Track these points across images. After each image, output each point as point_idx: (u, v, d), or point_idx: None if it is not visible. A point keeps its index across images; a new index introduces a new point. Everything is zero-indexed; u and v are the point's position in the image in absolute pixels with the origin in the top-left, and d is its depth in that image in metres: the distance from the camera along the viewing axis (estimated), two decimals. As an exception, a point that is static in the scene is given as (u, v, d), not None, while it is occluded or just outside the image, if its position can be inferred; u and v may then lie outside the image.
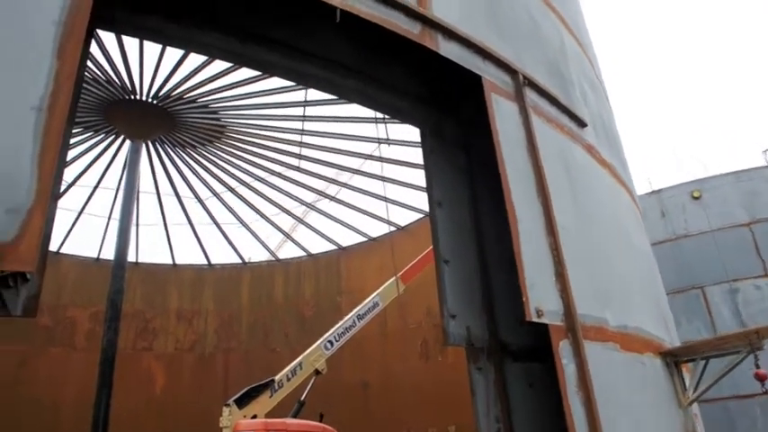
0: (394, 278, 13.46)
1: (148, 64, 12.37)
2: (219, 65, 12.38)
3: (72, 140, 14.82)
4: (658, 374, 4.42)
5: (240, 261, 20.52)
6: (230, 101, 13.71)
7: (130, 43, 11.75)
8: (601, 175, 4.86)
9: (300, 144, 15.34)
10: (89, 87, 12.96)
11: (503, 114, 3.74)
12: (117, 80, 12.84)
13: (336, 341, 12.20)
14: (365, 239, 19.26)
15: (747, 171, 15.71)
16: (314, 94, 13.32)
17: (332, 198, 18.50)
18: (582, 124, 4.79)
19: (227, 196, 18.16)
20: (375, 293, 13.24)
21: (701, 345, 4.67)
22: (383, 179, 15.75)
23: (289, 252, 21.43)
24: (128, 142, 15.00)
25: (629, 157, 6.73)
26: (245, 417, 10.19)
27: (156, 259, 20.02)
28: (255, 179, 17.22)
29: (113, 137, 15.19)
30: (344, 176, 17.72)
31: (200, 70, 12.50)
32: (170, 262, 19.99)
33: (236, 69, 12.50)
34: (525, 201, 3.54)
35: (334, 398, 14.99)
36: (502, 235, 4.14)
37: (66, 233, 18.12)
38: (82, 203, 17.61)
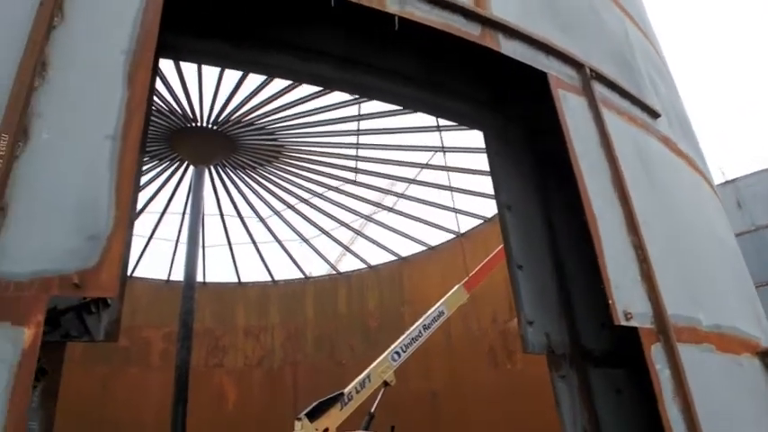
0: (458, 286, 13.23)
1: (207, 92, 12.83)
2: (275, 87, 12.69)
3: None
4: (758, 376, 4.08)
5: (303, 276, 20.81)
6: (286, 120, 13.98)
7: (190, 73, 12.23)
8: (679, 166, 4.56)
9: (356, 158, 15.46)
10: (154, 118, 13.55)
11: (571, 109, 3.57)
12: (179, 109, 13.37)
13: (403, 352, 12.08)
14: (425, 248, 19.11)
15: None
16: (368, 107, 13.44)
17: (389, 209, 18.51)
18: (655, 115, 4.53)
19: (287, 214, 18.51)
20: (440, 302, 13.04)
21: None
22: (444, 188, 15.62)
23: (350, 265, 21.58)
24: (192, 168, 15.58)
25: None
26: (316, 430, 10.22)
27: (223, 278, 20.62)
28: (314, 195, 17.47)
29: (178, 164, 15.82)
30: (401, 187, 17.70)
31: (256, 93, 12.84)
32: (236, 280, 20.52)
33: (291, 90, 12.78)
34: (602, 197, 3.34)
35: (403, 408, 14.86)
36: (577, 236, 3.94)
37: (137, 258, 18.95)
38: (151, 229, 18.37)
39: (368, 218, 19.38)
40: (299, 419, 10.16)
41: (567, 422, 3.59)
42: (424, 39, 3.36)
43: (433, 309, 12.89)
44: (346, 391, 11.06)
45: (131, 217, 2.84)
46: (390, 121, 13.85)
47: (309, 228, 19.16)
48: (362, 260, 20.38)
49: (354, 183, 16.64)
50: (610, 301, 2.95)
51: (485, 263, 13.62)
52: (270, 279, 20.72)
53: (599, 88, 3.94)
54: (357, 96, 12.94)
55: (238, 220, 18.65)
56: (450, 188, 15.76)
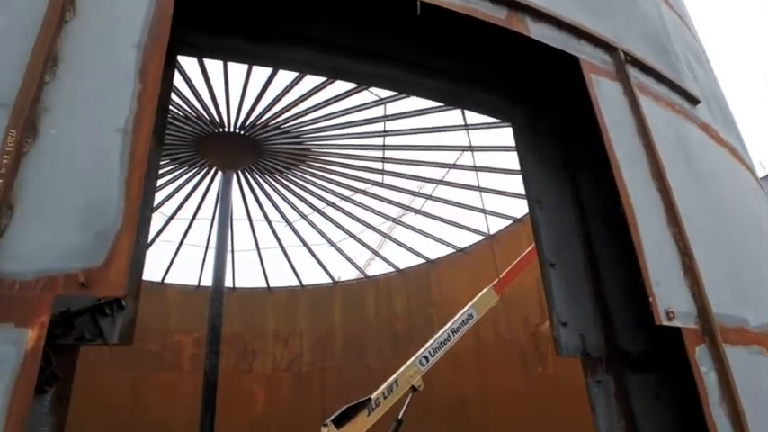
0: (488, 288, 12.98)
1: (234, 97, 12.90)
2: (299, 90, 12.69)
3: (169, 176, 15.75)
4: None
5: (331, 280, 20.77)
6: (312, 123, 13.97)
7: (216, 79, 12.31)
8: (721, 156, 4.31)
9: (383, 159, 15.35)
10: (182, 124, 13.71)
11: (605, 95, 3.38)
12: (206, 115, 13.49)
13: (432, 356, 11.87)
14: (453, 251, 18.86)
15: None
16: (393, 107, 13.34)
17: (417, 211, 18.34)
18: (694, 101, 4.28)
19: (314, 217, 18.51)
20: (469, 305, 12.81)
21: None
22: (473, 188, 15.40)
23: (378, 269, 21.48)
24: (220, 173, 15.71)
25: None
26: (344, 436, 10.11)
27: (252, 283, 20.72)
28: (341, 198, 17.43)
29: (206, 170, 15.97)
30: (428, 188, 17.52)
31: (281, 98, 12.86)
32: (264, 285, 20.61)
33: (316, 93, 12.76)
34: (640, 187, 3.14)
35: (432, 414, 14.63)
36: (612, 230, 3.74)
37: (168, 263, 19.19)
38: (181, 235, 18.59)
39: (395, 220, 19.25)
40: (326, 425, 10.06)
41: (604, 429, 3.38)
42: (448, 26, 3.23)
43: (461, 312, 12.66)
44: (374, 396, 10.92)
45: (147, 215, 2.76)
46: (417, 122, 13.72)
47: (337, 231, 19.13)
48: (390, 264, 20.24)
49: (381, 185, 16.53)
50: (650, 299, 2.75)
51: (515, 264, 13.35)
52: (298, 283, 20.75)
53: (634, 73, 3.74)
54: (381, 97, 12.88)
55: (266, 224, 18.73)
56: (479, 188, 15.51)
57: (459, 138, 14.08)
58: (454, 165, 15.40)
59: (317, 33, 3.64)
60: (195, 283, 19.84)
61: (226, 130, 14.05)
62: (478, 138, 13.94)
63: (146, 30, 2.38)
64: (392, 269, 20.29)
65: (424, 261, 19.55)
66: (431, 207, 17.95)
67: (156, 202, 16.89)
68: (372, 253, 21.20)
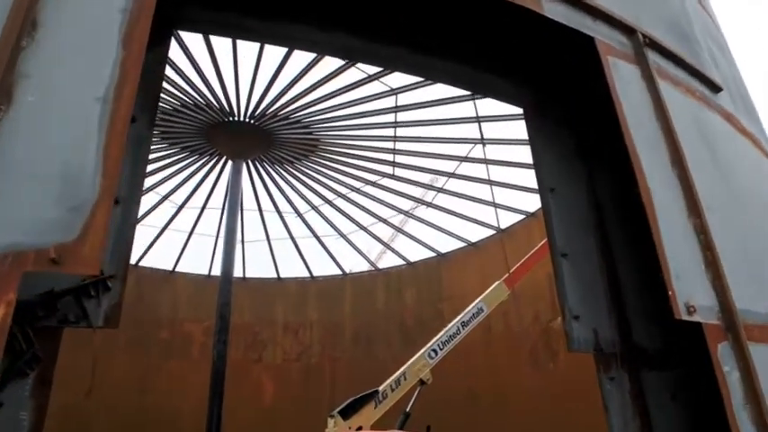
0: (498, 282, 12.79)
1: (244, 86, 12.80)
2: (310, 80, 12.55)
3: (179, 164, 15.72)
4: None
5: (341, 272, 20.69)
6: (322, 113, 13.83)
7: (227, 67, 12.21)
8: (744, 146, 4.09)
9: (394, 151, 15.18)
10: (191, 112, 13.64)
11: (623, 78, 3.19)
12: (216, 103, 13.40)
13: (440, 350, 11.74)
14: (464, 245, 18.67)
15: None
16: (404, 98, 13.14)
17: (428, 204, 18.16)
18: (716, 89, 4.07)
19: (325, 209, 18.41)
20: (479, 299, 12.64)
21: None
22: (485, 181, 15.18)
23: (388, 261, 21.36)
24: (230, 163, 15.64)
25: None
26: (350, 428, 10.02)
27: (263, 274, 20.69)
28: (351, 189, 17.30)
29: (217, 159, 15.91)
30: (440, 181, 17.32)
31: (291, 87, 12.73)
32: (275, 276, 20.58)
33: (327, 82, 12.62)
34: (659, 174, 2.96)
35: (440, 408, 14.48)
36: (628, 220, 3.56)
37: (179, 252, 19.23)
38: (192, 224, 18.59)
39: (406, 213, 19.09)
40: (332, 417, 9.98)
41: (617, 429, 3.21)
42: (459, 5, 3.06)
43: (472, 305, 12.50)
44: (381, 388, 10.82)
45: (137, 195, 2.64)
46: (428, 113, 13.52)
47: (348, 223, 19.02)
48: (401, 256, 20.11)
49: (392, 177, 16.37)
50: (669, 293, 2.57)
51: (526, 258, 13.15)
52: (308, 275, 20.70)
53: (653, 56, 3.54)
54: (393, 88, 12.70)
55: (277, 215, 18.67)
56: (491, 182, 15.29)
57: (472, 130, 13.87)
58: (466, 158, 15.18)
59: (324, 11, 3.48)
60: (206, 272, 19.86)
61: (235, 118, 13.96)
62: (491, 130, 13.71)
63: (133, -5, 2.24)
64: (403, 262, 20.15)
65: (434, 254, 19.38)
66: (442, 200, 17.76)
67: (166, 191, 16.93)
68: (383, 246, 21.07)
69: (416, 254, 19.91)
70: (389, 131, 14.39)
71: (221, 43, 11.48)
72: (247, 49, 11.60)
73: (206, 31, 3.58)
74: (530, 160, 14.41)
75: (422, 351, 11.73)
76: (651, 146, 3.06)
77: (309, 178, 16.75)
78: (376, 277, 20.50)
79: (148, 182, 16.31)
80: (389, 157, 15.49)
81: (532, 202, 16.16)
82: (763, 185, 4.12)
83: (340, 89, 12.79)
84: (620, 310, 3.45)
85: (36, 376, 2.20)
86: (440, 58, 3.77)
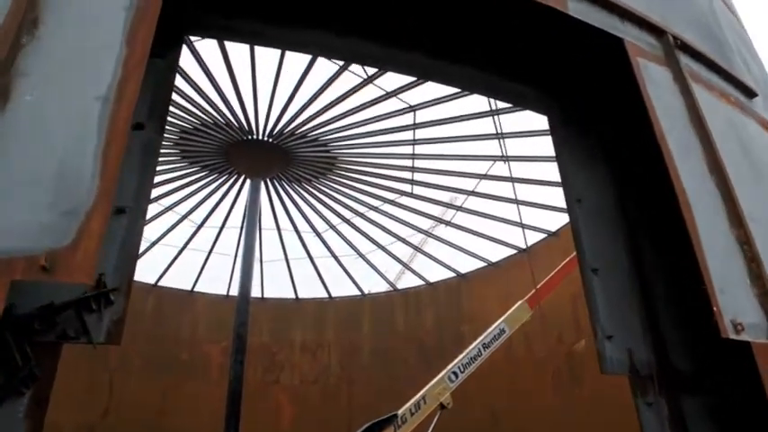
0: (520, 302, 12.48)
1: (262, 104, 12.87)
2: (328, 97, 12.56)
3: (198, 183, 15.79)
4: None
5: (359, 293, 20.47)
6: (340, 131, 13.81)
7: (245, 85, 12.28)
8: (784, 155, 3.86)
9: (412, 169, 15.06)
10: (210, 131, 13.73)
11: (654, 81, 3.02)
12: (234, 122, 13.48)
13: (461, 372, 11.42)
14: (485, 265, 18.36)
15: None
16: (423, 115, 13.06)
17: (447, 223, 17.95)
18: (751, 94, 3.86)
19: (344, 228, 18.29)
20: (501, 319, 12.33)
21: None
22: (506, 200, 14.95)
23: (407, 282, 21.09)
24: (248, 181, 15.67)
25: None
26: (370, 453, 9.74)
27: (281, 294, 20.57)
28: (369, 208, 17.18)
29: (235, 177, 15.96)
30: (459, 199, 17.12)
31: (309, 104, 12.75)
32: (293, 296, 20.45)
33: (344, 99, 12.61)
34: (697, 183, 2.76)
35: (462, 433, 14.09)
36: (661, 231, 3.34)
37: (198, 272, 19.22)
38: (211, 243, 18.61)
39: (426, 232, 18.88)
40: (351, 440, 9.70)
41: (656, 458, 2.96)
42: (477, 5, 2.93)
43: (493, 326, 12.19)
44: (400, 412, 10.53)
45: (143, 205, 2.53)
46: (447, 130, 13.40)
47: (367, 242, 18.86)
48: (420, 276, 19.85)
49: (411, 195, 16.22)
50: (714, 309, 2.35)
51: (549, 278, 12.81)
52: (327, 295, 20.52)
53: (684, 59, 3.36)
54: (411, 104, 12.63)
55: (295, 234, 18.61)
56: (512, 200, 15.03)
57: (492, 147, 13.70)
58: (485, 175, 14.98)
59: (337, 15, 3.38)
60: (224, 292, 19.81)
61: (253, 137, 14.01)
62: (512, 147, 13.52)
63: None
64: (422, 282, 19.88)
65: (454, 275, 19.09)
66: (462, 219, 17.53)
67: (185, 210, 17.00)
68: (402, 266, 20.84)
69: (436, 274, 19.65)
70: (408, 149, 14.29)
71: (239, 60, 11.56)
72: (265, 65, 11.65)
73: (219, 36, 3.52)
74: (551, 177, 14.23)
75: (442, 374, 11.43)
76: (687, 152, 2.87)
77: (328, 197, 16.69)
78: (395, 298, 20.23)
79: (167, 201, 16.42)
80: (408, 175, 15.37)
81: (554, 221, 15.87)
82: (806, 196, 3.87)
83: (358, 106, 12.77)
84: (656, 328, 3.22)
85: (32, 395, 2.06)
86: (460, 65, 3.63)
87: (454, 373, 11.34)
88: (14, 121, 1.74)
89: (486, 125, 12.90)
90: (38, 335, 2.14)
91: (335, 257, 19.29)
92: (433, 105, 12.62)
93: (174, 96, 12.50)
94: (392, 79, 12.00)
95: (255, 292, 19.44)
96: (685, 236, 2.65)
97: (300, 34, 3.36)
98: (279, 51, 11.23)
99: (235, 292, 19.04)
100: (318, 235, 18.54)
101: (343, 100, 12.54)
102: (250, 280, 14.50)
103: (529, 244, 16.84)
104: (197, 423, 17.06)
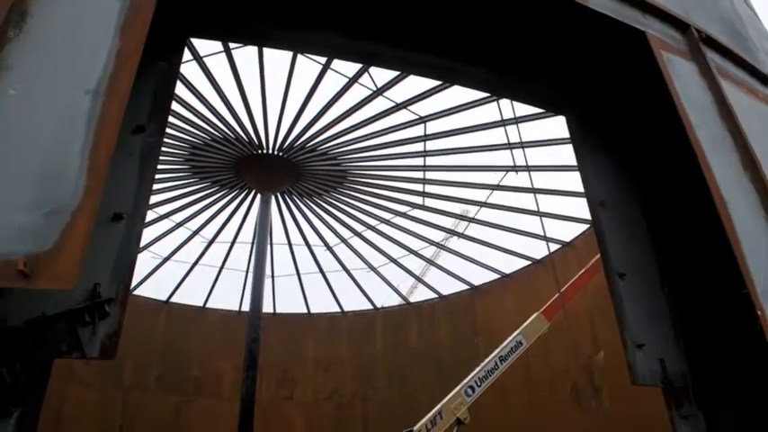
0: (537, 314, 12.21)
1: (272, 118, 12.83)
2: (337, 110, 12.49)
3: (209, 198, 15.75)
4: None
5: (372, 307, 20.24)
6: (350, 144, 13.73)
7: (254, 101, 12.27)
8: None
9: (424, 181, 14.91)
10: (221, 146, 13.71)
11: (680, 75, 2.86)
12: (244, 136, 13.45)
13: (478, 386, 11.14)
14: (498, 277, 18.09)
15: None
16: (433, 126, 12.94)
17: (460, 235, 17.73)
18: (779, 90, 3.68)
19: (355, 241, 18.14)
20: (517, 331, 12.05)
21: None
22: (519, 210, 14.74)
23: (421, 295, 20.84)
24: (259, 196, 15.61)
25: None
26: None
27: (293, 309, 20.40)
28: (381, 221, 17.03)
29: (246, 192, 15.91)
30: (472, 211, 16.92)
31: (318, 118, 12.69)
32: (305, 311, 20.27)
33: (354, 112, 12.53)
34: (731, 179, 2.58)
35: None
36: (693, 233, 3.15)
37: (210, 288, 19.13)
38: (222, 259, 18.53)
39: (438, 245, 18.67)
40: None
41: (694, 477, 2.74)
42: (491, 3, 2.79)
43: (509, 339, 11.92)
44: (416, 429, 10.27)
45: (142, 211, 2.39)
46: (458, 141, 13.26)
47: (379, 256, 18.67)
48: (433, 290, 19.60)
49: (423, 207, 16.05)
50: (758, 313, 2.16)
51: (565, 289, 12.54)
52: (339, 309, 20.31)
53: (710, 54, 3.19)
54: (422, 116, 12.52)
55: (306, 248, 18.48)
56: (528, 211, 14.83)
57: (504, 157, 13.53)
58: (498, 186, 14.78)
59: (349, 16, 3.26)
60: (236, 308, 19.68)
61: (263, 151, 13.96)
62: (522, 156, 13.32)
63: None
64: (435, 296, 19.63)
65: (468, 287, 18.83)
66: (474, 230, 17.31)
67: (196, 226, 16.96)
68: (415, 279, 20.61)
69: (449, 287, 19.39)
70: (419, 161, 14.15)
71: (249, 76, 11.54)
72: (275, 80, 11.63)
73: (222, 38, 3.41)
74: (565, 186, 14.02)
75: (458, 388, 11.16)
76: (719, 147, 2.69)
77: (338, 210, 16.57)
78: (408, 311, 19.98)
79: (178, 217, 16.39)
80: (419, 187, 15.21)
81: (569, 232, 15.63)
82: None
83: (368, 119, 12.68)
84: (689, 336, 3.01)
85: (20, 415, 1.91)
86: (476, 65, 3.49)
87: (471, 387, 11.07)
88: (-4, 117, 1.62)
89: (497, 135, 12.75)
90: (28, 350, 2.00)
91: (347, 271, 19.12)
92: (443, 116, 12.50)
93: (185, 112, 12.52)
94: (402, 91, 11.93)
95: (267, 307, 19.31)
96: (719, 235, 2.46)
97: (308, 35, 3.24)
98: (288, 66, 11.22)
99: (247, 307, 18.93)
100: (330, 249, 18.40)
101: (352, 113, 12.46)
102: (261, 295, 14.37)
103: (543, 255, 16.59)
104: (210, 440, 16.89)
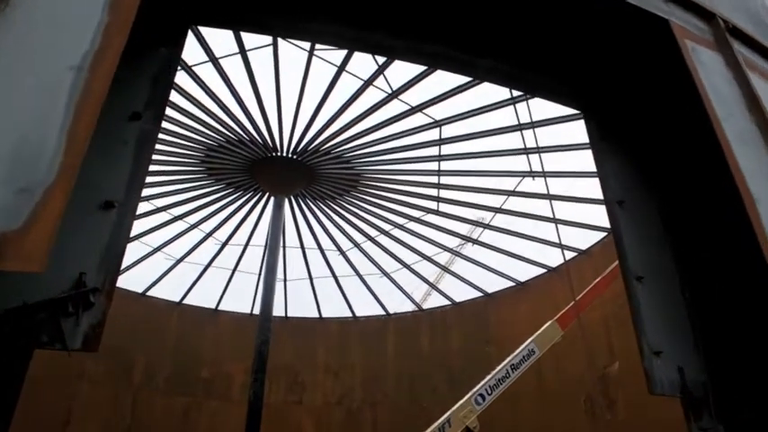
0: (550, 322, 11.97)
1: (286, 121, 12.80)
2: (352, 113, 12.42)
3: (223, 200, 15.76)
4: None
5: (384, 312, 20.08)
6: (364, 147, 13.64)
7: (270, 103, 12.26)
8: None
9: (438, 185, 14.76)
10: (235, 148, 13.72)
11: (705, 66, 2.70)
12: (258, 139, 13.44)
13: (489, 394, 10.92)
14: (512, 284, 17.85)
15: None
16: (448, 130, 12.81)
17: (474, 241, 17.53)
18: (810, 87, 3.49)
19: (368, 246, 18.02)
20: (530, 339, 11.83)
21: None
22: (535, 217, 14.51)
23: (433, 302, 20.64)
24: (272, 199, 15.58)
25: None
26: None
27: (304, 313, 20.32)
28: (394, 226, 16.90)
29: (259, 195, 15.90)
30: (487, 217, 16.72)
31: (333, 121, 12.63)
32: (317, 315, 20.18)
33: (369, 115, 12.45)
34: (760, 176, 2.41)
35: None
36: (714, 236, 2.98)
37: (222, 290, 19.13)
38: (235, 262, 18.53)
39: (451, 251, 18.48)
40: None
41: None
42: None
43: (522, 346, 11.70)
44: (424, 436, 10.09)
45: (134, 200, 2.29)
46: (474, 145, 13.10)
47: (392, 261, 18.52)
48: (446, 296, 19.40)
49: (437, 213, 15.89)
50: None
51: (580, 297, 12.28)
52: (350, 315, 20.19)
53: (737, 45, 3.03)
54: (437, 119, 12.39)
55: (318, 252, 18.41)
56: (543, 218, 14.60)
57: (520, 162, 13.34)
58: (513, 192, 14.59)
59: (357, 5, 3.16)
60: (248, 311, 19.65)
61: (277, 154, 13.94)
62: (537, 161, 13.13)
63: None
64: (448, 302, 19.42)
65: (481, 294, 18.60)
66: (488, 237, 17.10)
67: (210, 228, 16.98)
68: (428, 285, 20.42)
69: (462, 293, 19.17)
70: (433, 165, 14.02)
71: (264, 78, 11.53)
72: (290, 82, 11.61)
73: (225, 26, 3.34)
74: (582, 193, 13.78)
75: (468, 395, 10.95)
76: (746, 141, 2.53)
77: (352, 214, 16.48)
78: (420, 318, 19.79)
79: (192, 219, 16.43)
80: (434, 191, 15.07)
81: (584, 240, 15.37)
82: None
83: (382, 122, 12.59)
84: (710, 343, 2.84)
85: (-4, 410, 1.82)
86: (489, 57, 3.35)
87: (481, 395, 10.86)
88: (-28, 92, 1.53)
89: (513, 140, 12.58)
90: (6, 340, 1.90)
91: (360, 276, 19.00)
92: (459, 120, 12.36)
93: (200, 114, 12.55)
94: (417, 94, 11.82)
95: (279, 310, 19.26)
96: (747, 237, 2.30)
97: (313, 24, 3.14)
98: (303, 68, 11.19)
99: (258, 310, 18.91)
100: (342, 253, 18.30)
101: (367, 116, 12.38)
102: (272, 298, 14.31)
103: (559, 263, 16.32)
104: (218, 442, 16.84)
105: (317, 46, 10.42)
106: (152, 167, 14.27)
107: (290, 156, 13.98)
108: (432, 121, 12.46)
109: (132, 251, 16.78)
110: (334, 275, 19.07)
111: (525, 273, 17.48)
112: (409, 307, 20.23)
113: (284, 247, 17.73)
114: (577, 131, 11.40)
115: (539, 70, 3.47)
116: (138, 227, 15.82)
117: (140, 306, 17.91)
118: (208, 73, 11.53)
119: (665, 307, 2.91)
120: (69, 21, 1.73)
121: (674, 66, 2.81)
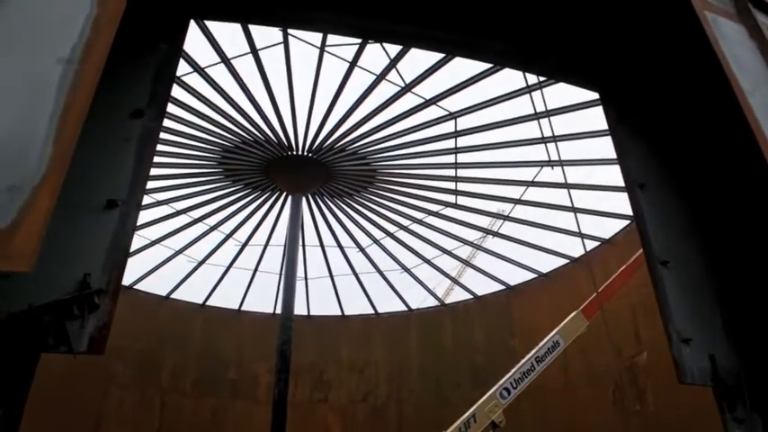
0: (575, 312, 11.76)
1: (300, 119, 12.79)
2: (366, 108, 12.34)
3: (242, 201, 15.82)
4: None
5: (406, 308, 20.00)
6: (379, 143, 13.56)
7: (284, 103, 12.24)
8: None
9: (456, 178, 14.61)
10: (251, 148, 13.75)
11: (727, 38, 2.56)
12: (274, 138, 13.44)
13: (514, 388, 10.78)
14: (535, 276, 17.62)
15: None
16: (464, 122, 12.65)
17: (494, 234, 17.34)
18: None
19: (387, 242, 17.95)
20: (554, 331, 11.63)
21: None
22: (555, 207, 14.28)
23: (455, 296, 20.49)
24: (290, 198, 15.60)
25: None
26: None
27: (327, 311, 20.35)
28: (413, 221, 16.79)
29: (277, 194, 15.93)
30: (507, 209, 16.51)
31: (347, 117, 12.57)
32: (339, 313, 20.20)
33: (383, 110, 12.36)
34: (790, 150, 2.28)
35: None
36: (742, 215, 2.84)
37: (244, 291, 19.25)
38: (256, 262, 18.62)
39: (471, 244, 18.29)
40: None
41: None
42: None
43: (547, 338, 11.51)
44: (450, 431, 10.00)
45: (137, 197, 2.25)
46: (490, 136, 12.92)
47: (412, 257, 18.42)
48: (468, 290, 19.25)
49: (456, 206, 15.74)
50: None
51: (606, 286, 12.05)
52: (373, 311, 20.15)
53: (761, 17, 2.87)
54: (452, 111, 12.24)
55: (338, 250, 18.39)
56: (564, 207, 14.35)
57: (538, 152, 13.12)
58: (533, 182, 14.36)
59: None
60: (271, 310, 19.75)
61: (293, 153, 13.94)
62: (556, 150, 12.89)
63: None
64: (470, 296, 19.26)
65: (503, 287, 18.40)
66: (508, 228, 16.89)
67: (229, 229, 17.08)
68: (450, 280, 20.28)
69: (484, 287, 19.00)
70: (450, 158, 13.87)
71: (276, 77, 11.51)
72: (302, 80, 11.57)
73: (226, 19, 3.28)
74: (602, 181, 13.51)
75: (493, 390, 10.82)
76: (774, 115, 2.39)
77: (370, 210, 16.42)
78: (443, 313, 19.68)
79: (211, 220, 16.54)
80: (451, 185, 14.92)
81: (607, 228, 15.08)
82: None
83: (397, 116, 12.49)
84: (742, 329, 2.70)
85: (3, 414, 1.78)
86: (492, 40, 3.24)
87: (506, 389, 10.72)
88: (-40, 89, 1.49)
89: (531, 129, 12.37)
90: (13, 344, 1.87)
91: (381, 273, 18.95)
92: (474, 111, 12.20)
93: (215, 115, 12.60)
94: (431, 86, 11.69)
95: (302, 309, 19.33)
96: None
97: (317, 13, 3.07)
98: (315, 66, 11.14)
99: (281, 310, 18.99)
100: (362, 250, 18.26)
101: (381, 110, 12.29)
102: (293, 297, 14.33)
103: (581, 253, 16.04)
104: (245, 441, 16.97)
105: (328, 41, 10.36)
106: (171, 171, 14.42)
107: (305, 154, 13.96)
108: (447, 113, 12.32)
109: (154, 254, 17.00)
110: (355, 272, 19.04)
111: (548, 264, 17.24)
112: (431, 302, 20.12)
113: (304, 245, 17.76)
114: (595, 118, 11.16)
115: (555, 53, 3.35)
116: (158, 230, 16.00)
117: (165, 309, 18.13)
118: (221, 74, 11.57)
119: (693, 292, 2.77)
120: (58, 13, 1.69)
121: (694, 40, 2.67)
